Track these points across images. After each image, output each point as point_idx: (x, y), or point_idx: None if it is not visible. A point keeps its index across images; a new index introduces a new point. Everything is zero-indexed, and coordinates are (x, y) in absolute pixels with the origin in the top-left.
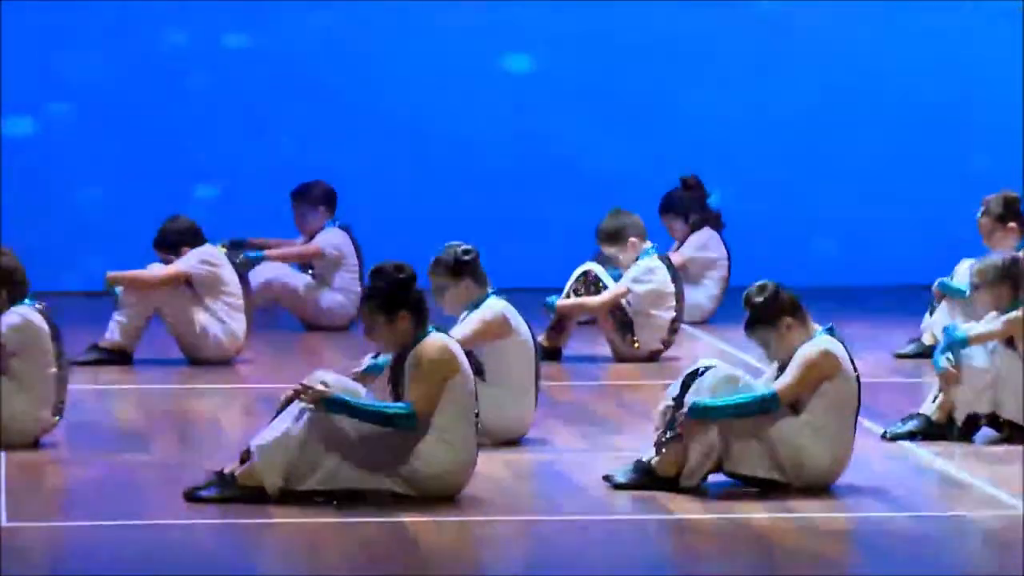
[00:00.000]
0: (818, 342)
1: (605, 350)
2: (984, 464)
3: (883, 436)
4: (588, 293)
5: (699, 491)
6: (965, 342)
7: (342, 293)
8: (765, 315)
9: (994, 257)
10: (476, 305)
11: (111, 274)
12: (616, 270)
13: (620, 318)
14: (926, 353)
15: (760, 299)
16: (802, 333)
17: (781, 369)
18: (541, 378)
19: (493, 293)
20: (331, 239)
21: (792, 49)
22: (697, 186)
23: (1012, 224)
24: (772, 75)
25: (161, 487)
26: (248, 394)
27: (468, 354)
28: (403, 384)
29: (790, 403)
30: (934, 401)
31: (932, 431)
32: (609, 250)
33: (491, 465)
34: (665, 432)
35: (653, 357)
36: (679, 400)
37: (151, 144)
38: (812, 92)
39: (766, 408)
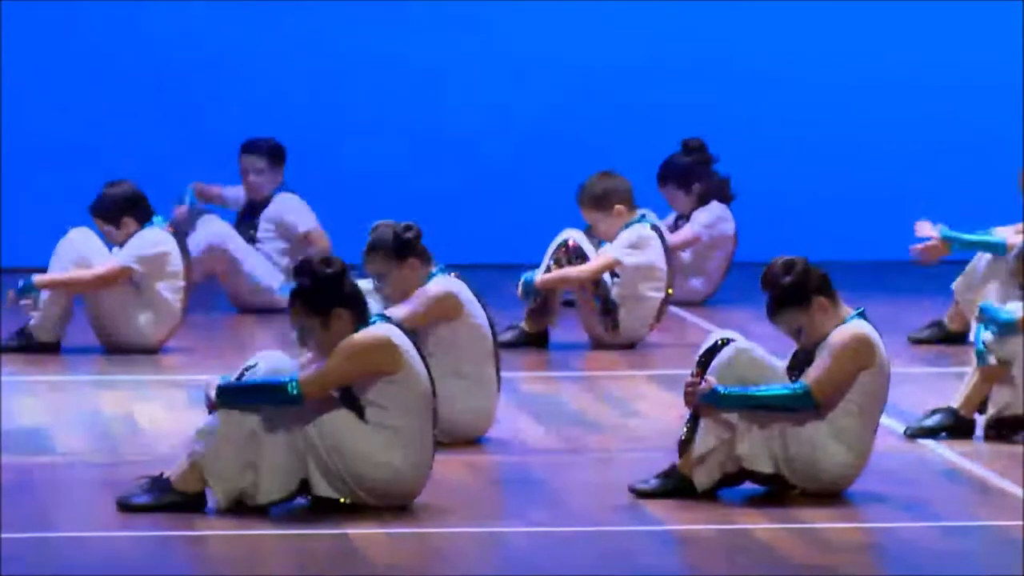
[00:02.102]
0: (853, 327)
1: (583, 334)
2: (1020, 467)
3: (904, 433)
4: (571, 265)
5: (695, 499)
6: (1013, 326)
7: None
8: (795, 296)
9: None
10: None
11: (39, 279)
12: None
13: (602, 295)
14: (946, 339)
15: (789, 278)
16: (834, 316)
17: (804, 360)
18: (502, 367)
19: (440, 271)
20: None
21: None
22: (700, 149)
23: None
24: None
25: (73, 493)
26: (172, 387)
27: (412, 341)
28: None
29: (827, 399)
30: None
31: (960, 428)
32: (591, 215)
33: (449, 468)
34: (686, 428)
35: (637, 343)
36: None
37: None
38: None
39: (798, 406)
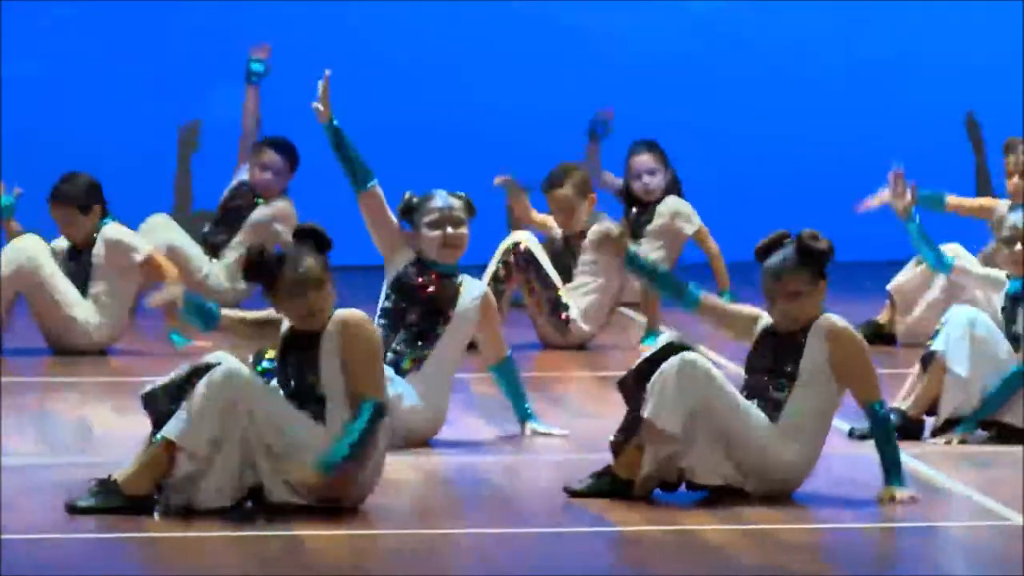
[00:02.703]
0: (842, 320)
1: (532, 335)
2: (972, 468)
3: (849, 434)
4: (521, 269)
5: (644, 500)
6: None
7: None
8: (820, 262)
9: None
10: None
11: None
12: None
13: (551, 296)
14: (881, 339)
15: (822, 245)
16: (818, 305)
17: (776, 346)
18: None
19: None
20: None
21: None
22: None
23: None
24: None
25: (18, 497)
26: (121, 389)
27: None
28: (311, 369)
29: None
30: (910, 395)
31: (909, 429)
32: (573, 201)
33: (399, 469)
34: (621, 434)
35: (585, 344)
36: (636, 392)
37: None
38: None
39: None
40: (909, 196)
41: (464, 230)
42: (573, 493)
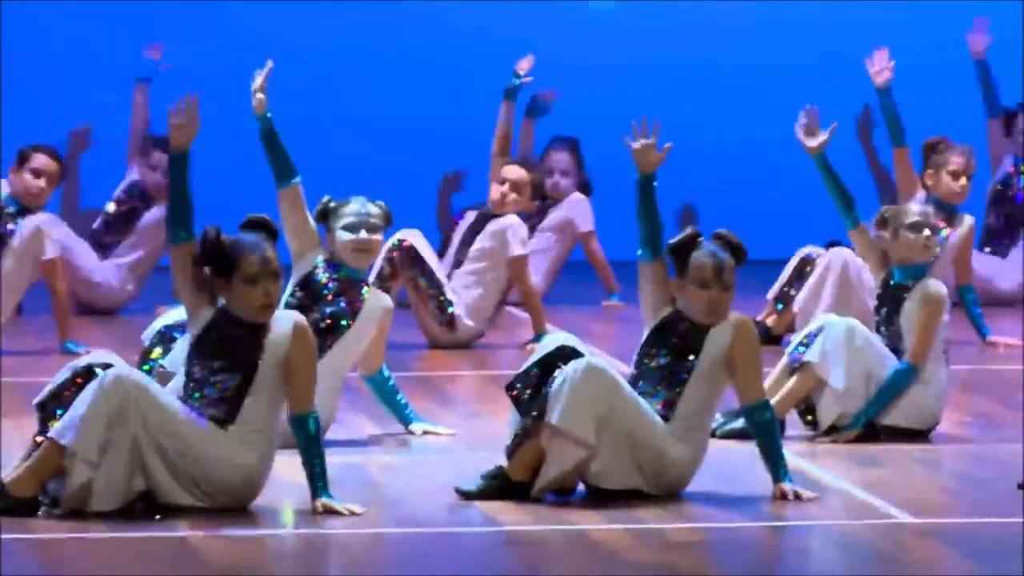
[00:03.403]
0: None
1: (418, 334)
2: (854, 466)
3: (714, 433)
4: (406, 267)
5: (525, 500)
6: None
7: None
8: (741, 261)
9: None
10: None
11: None
12: None
13: (437, 295)
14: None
15: (742, 243)
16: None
17: (680, 337)
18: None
19: None
20: None
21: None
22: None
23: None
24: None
25: None
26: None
27: None
28: (246, 363)
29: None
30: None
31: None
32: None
33: (287, 469)
34: (516, 437)
35: (473, 342)
36: (530, 395)
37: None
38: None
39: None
40: (824, 136)
41: (378, 236)
42: (463, 494)
